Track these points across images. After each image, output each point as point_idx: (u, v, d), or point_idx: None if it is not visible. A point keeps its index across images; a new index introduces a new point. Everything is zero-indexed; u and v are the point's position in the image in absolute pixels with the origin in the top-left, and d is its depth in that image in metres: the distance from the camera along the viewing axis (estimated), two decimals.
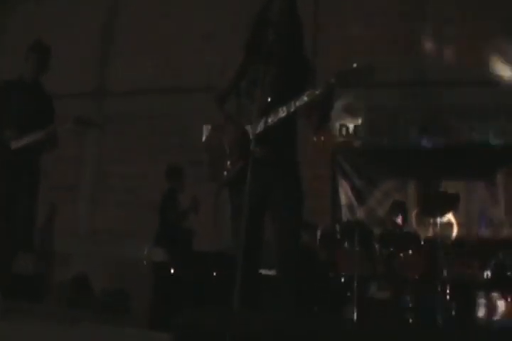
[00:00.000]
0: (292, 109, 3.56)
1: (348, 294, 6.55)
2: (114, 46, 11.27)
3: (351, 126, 9.25)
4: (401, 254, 6.71)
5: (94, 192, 10.14)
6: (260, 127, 3.59)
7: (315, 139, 8.45)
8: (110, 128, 10.52)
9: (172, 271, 7.45)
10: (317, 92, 3.49)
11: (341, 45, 9.40)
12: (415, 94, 9.13)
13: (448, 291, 6.38)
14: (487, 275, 6.65)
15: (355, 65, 3.46)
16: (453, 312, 6.38)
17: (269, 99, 3.67)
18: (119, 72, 10.92)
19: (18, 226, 5.21)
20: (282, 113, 3.58)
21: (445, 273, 6.54)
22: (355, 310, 6.31)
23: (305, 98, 3.51)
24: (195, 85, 9.65)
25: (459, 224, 8.23)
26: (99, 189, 9.75)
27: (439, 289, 6.33)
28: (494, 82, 8.58)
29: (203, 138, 4.15)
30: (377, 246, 7.02)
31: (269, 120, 3.60)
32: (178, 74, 10.21)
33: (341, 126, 9.20)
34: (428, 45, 9.28)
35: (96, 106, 11.19)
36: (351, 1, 9.59)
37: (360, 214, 9.08)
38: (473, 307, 6.45)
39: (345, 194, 9.28)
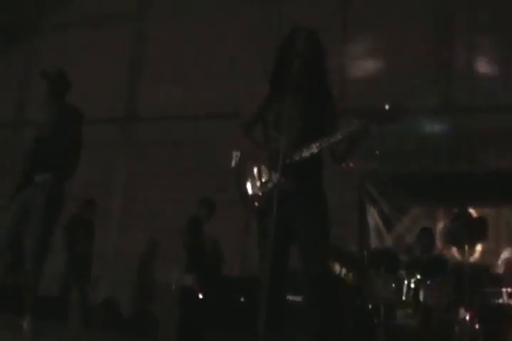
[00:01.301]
0: (326, 145, 3.64)
1: (376, 321, 6.52)
2: (143, 73, 11.45)
3: (379, 152, 9.24)
4: (428, 281, 6.65)
5: (122, 217, 10.23)
6: (291, 161, 3.64)
7: (343, 166, 8.43)
8: (138, 153, 10.69)
9: (200, 295, 7.48)
10: (351, 131, 3.57)
11: (368, 71, 9.45)
12: (443, 120, 9.11)
13: (477, 319, 6.31)
14: None
15: (387, 106, 3.50)
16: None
17: (296, 131, 3.70)
18: (147, 98, 11.08)
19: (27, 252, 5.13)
20: (315, 148, 3.65)
21: (474, 300, 6.48)
22: (383, 337, 6.28)
23: (339, 136, 3.59)
24: (221, 111, 9.73)
25: (488, 250, 8.18)
26: (127, 214, 9.84)
27: (468, 316, 6.26)
28: None
29: (232, 164, 4.19)
30: (404, 272, 6.99)
31: (302, 154, 3.67)
32: (205, 100, 10.32)
33: (369, 152, 9.17)
34: (455, 70, 9.28)
35: (125, 131, 11.34)
36: (378, 27, 9.63)
37: (388, 240, 9.03)
38: (504, 335, 6.37)
39: (373, 220, 9.25)
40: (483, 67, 9.02)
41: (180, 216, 8.28)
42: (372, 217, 9.25)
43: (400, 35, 9.45)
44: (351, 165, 8.54)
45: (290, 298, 4.87)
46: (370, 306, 6.79)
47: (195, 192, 8.82)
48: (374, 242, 9.09)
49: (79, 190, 10.54)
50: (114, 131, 11.25)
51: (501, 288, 6.85)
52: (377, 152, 9.06)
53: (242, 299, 7.26)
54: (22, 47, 12.51)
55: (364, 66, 9.58)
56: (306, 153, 3.66)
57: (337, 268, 7.11)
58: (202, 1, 11.05)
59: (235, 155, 4.06)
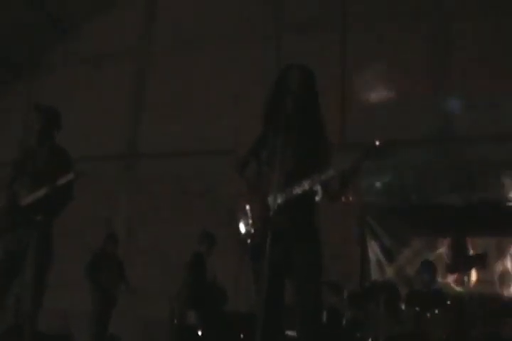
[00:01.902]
0: (318, 183, 3.66)
1: None
2: (143, 110, 11.58)
3: (379, 185, 9.27)
4: (428, 314, 6.61)
5: (124, 253, 10.23)
6: (283, 198, 3.65)
7: (343, 200, 8.46)
8: (140, 189, 10.74)
9: (200, 332, 7.47)
10: (343, 169, 3.58)
11: (366, 103, 9.53)
12: (443, 151, 9.16)
13: None
14: None
15: (377, 143, 3.53)
16: None
17: (289, 168, 3.69)
18: (148, 135, 11.20)
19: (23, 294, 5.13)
20: (307, 186, 3.66)
21: (475, 332, 6.45)
22: None
23: (331, 173, 3.60)
24: (221, 147, 9.81)
25: (489, 282, 8.16)
26: (129, 249, 9.86)
27: None
28: None
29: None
30: (404, 305, 6.97)
31: (294, 191, 3.68)
32: (205, 137, 10.42)
33: (369, 185, 9.20)
34: (454, 101, 9.35)
35: (126, 168, 11.43)
36: (375, 57, 9.74)
37: (390, 273, 9.02)
38: None
39: (374, 253, 9.25)
40: (481, 97, 9.09)
41: (182, 251, 8.30)
42: (373, 250, 9.26)
43: (399, 65, 9.56)
44: (351, 198, 8.68)
45: (288, 333, 4.90)
46: (370, 339, 6.77)
47: (196, 227, 8.84)
48: (375, 275, 9.08)
49: (82, 226, 10.66)
50: (116, 167, 11.33)
51: (502, 318, 6.83)
52: (376, 184, 9.12)
53: (242, 335, 7.25)
54: (24, 85, 12.66)
55: (363, 98, 9.66)
56: (297, 190, 3.67)
57: (337, 301, 7.09)
58: (201, 38, 11.24)
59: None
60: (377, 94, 9.56)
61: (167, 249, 9.86)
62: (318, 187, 3.77)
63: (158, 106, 11.24)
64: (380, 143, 3.54)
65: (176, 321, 7.98)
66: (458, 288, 7.88)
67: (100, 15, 12.34)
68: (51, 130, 5.57)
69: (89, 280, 8.61)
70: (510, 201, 8.56)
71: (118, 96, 11.62)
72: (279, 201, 3.60)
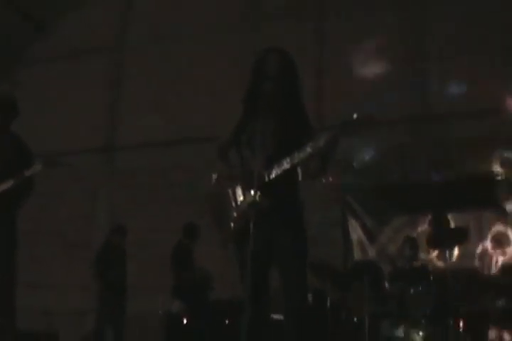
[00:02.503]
0: (296, 161, 3.64)
1: (361, 333, 6.50)
2: (124, 102, 11.55)
3: (358, 164, 9.32)
4: (412, 290, 6.64)
5: None
6: (264, 179, 3.66)
7: (323, 180, 8.51)
8: (121, 181, 10.73)
9: (185, 321, 7.48)
10: (321, 145, 3.56)
11: (345, 83, 9.57)
12: (421, 129, 9.23)
13: (461, 325, 6.31)
14: (501, 307, 6.54)
15: (355, 116, 3.53)
16: None
17: (270, 151, 3.72)
18: (128, 126, 11.18)
19: None
20: (286, 164, 3.65)
21: (458, 306, 6.51)
22: None
23: (309, 150, 3.58)
24: (201, 136, 9.79)
25: (471, 256, 8.26)
26: None
27: (452, 323, 6.28)
28: (496, 113, 8.68)
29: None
30: (387, 283, 7.02)
31: (273, 172, 3.67)
32: (185, 125, 10.43)
33: (349, 164, 9.24)
34: (431, 80, 9.42)
35: (107, 159, 11.42)
36: (354, 39, 9.78)
37: (372, 252, 9.10)
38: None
39: (356, 233, 9.31)
40: (455, 77, 9.16)
41: (168, 243, 8.28)
42: (355, 229, 9.32)
43: (375, 46, 9.61)
44: (331, 179, 8.72)
45: (274, 316, 4.93)
46: (355, 318, 6.83)
47: (181, 217, 8.83)
48: (358, 254, 9.16)
49: (63, 221, 10.63)
50: (96, 161, 11.31)
51: (488, 291, 6.89)
52: (354, 164, 9.16)
53: (227, 321, 7.28)
54: (0, 81, 12.59)
55: (341, 79, 9.71)
56: (277, 170, 3.67)
57: (321, 281, 7.10)
58: (179, 27, 11.22)
59: (214, 177, 4.08)
60: (355, 76, 9.61)
61: (153, 241, 9.82)
62: (298, 167, 3.80)
63: (135, 98, 11.22)
64: (357, 117, 3.54)
65: (160, 311, 7.96)
66: (440, 264, 7.97)
67: (77, 8, 12.29)
68: (7, 118, 5.41)
69: (96, 275, 8.41)
70: (488, 177, 8.64)
71: (96, 89, 11.59)
72: (260, 183, 3.63)
